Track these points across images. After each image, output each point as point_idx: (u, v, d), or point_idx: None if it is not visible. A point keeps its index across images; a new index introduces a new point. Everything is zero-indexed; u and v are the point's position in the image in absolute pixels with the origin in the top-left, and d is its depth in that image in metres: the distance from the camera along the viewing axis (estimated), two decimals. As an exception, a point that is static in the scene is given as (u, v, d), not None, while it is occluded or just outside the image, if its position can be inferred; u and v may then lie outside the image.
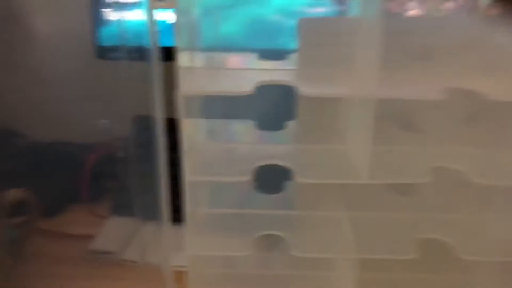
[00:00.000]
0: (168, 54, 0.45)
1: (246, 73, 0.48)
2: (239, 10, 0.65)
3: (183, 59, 0.43)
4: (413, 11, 0.58)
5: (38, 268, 0.67)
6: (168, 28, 0.68)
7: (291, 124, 0.55)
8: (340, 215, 0.53)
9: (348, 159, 0.49)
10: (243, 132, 0.55)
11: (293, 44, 0.54)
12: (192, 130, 0.50)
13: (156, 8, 0.42)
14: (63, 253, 0.71)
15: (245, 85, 0.43)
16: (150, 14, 0.42)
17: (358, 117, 0.47)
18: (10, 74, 0.78)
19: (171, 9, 0.41)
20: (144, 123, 0.61)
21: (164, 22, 0.67)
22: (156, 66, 0.46)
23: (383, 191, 0.55)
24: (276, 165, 0.49)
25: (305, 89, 0.43)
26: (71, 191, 0.79)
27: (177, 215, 0.50)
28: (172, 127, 0.46)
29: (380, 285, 0.54)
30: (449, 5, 0.58)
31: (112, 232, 0.74)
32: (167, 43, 0.45)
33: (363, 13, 0.46)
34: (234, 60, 0.52)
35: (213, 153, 0.51)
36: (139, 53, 0.65)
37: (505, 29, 0.50)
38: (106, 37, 0.76)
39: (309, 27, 0.51)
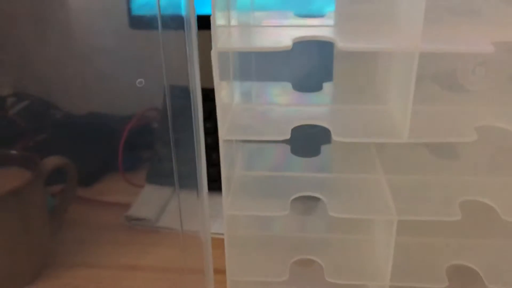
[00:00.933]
0: (204, 22, 0.45)
1: (283, 30, 0.46)
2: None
3: (219, 18, 0.43)
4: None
5: (76, 235, 0.69)
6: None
7: (328, 85, 0.54)
8: (378, 177, 0.52)
9: (388, 118, 0.48)
10: (280, 94, 0.54)
11: (329, 8, 0.52)
12: (227, 92, 0.50)
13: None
14: (101, 220, 0.72)
15: (283, 41, 0.42)
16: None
17: (400, 73, 0.45)
18: (44, 46, 0.79)
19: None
20: (179, 93, 0.61)
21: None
22: (192, 33, 0.45)
23: (423, 153, 0.53)
24: (314, 126, 0.48)
25: (344, 44, 0.42)
26: (107, 161, 0.80)
27: (214, 184, 0.50)
28: (208, 97, 0.45)
29: (420, 249, 0.53)
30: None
31: (148, 200, 0.74)
32: (203, 11, 0.44)
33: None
34: (271, 18, 0.50)
35: (249, 115, 0.50)
36: (174, 22, 0.65)
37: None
38: (140, 6, 0.76)
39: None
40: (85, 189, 0.76)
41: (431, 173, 0.53)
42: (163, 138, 0.78)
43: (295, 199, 0.49)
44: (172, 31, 0.64)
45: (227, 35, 0.46)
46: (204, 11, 0.50)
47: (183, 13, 0.46)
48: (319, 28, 0.47)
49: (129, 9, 0.77)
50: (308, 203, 0.56)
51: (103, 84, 0.82)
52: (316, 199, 0.51)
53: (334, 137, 0.45)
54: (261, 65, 0.54)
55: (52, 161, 0.65)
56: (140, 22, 0.77)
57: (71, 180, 0.67)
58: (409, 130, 0.44)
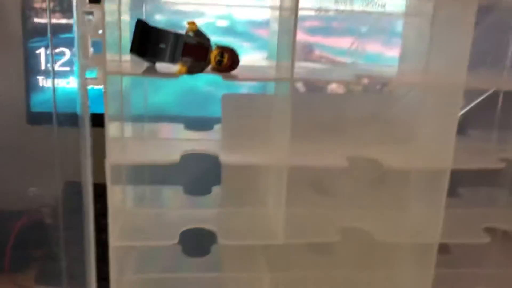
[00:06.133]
0: (98, 120, 0.48)
1: (172, 143, 0.52)
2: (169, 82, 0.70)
3: (112, 129, 0.47)
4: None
5: None
6: (99, 95, 0.71)
7: (217, 189, 0.59)
8: (262, 275, 0.56)
9: (267, 221, 0.53)
10: (171, 197, 0.58)
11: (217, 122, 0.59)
12: (120, 196, 0.53)
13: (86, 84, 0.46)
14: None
15: (172, 155, 0.47)
16: (81, 82, 0.45)
17: (273, 183, 0.52)
18: None
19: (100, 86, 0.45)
20: (74, 189, 0.62)
21: (94, 89, 0.71)
22: (86, 132, 0.48)
23: (301, 251, 0.59)
24: (202, 229, 0.52)
25: (226, 158, 0.48)
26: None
27: (106, 283, 0.51)
28: (102, 193, 0.48)
29: None
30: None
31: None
32: (98, 110, 0.48)
33: (277, 91, 0.52)
34: (162, 130, 0.56)
35: (141, 219, 0.53)
36: (70, 119, 0.67)
37: (401, 105, 0.58)
38: (38, 103, 0.78)
39: (231, 102, 0.56)
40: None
41: (312, 268, 0.58)
42: (55, 236, 0.77)
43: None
44: (68, 128, 0.66)
45: (120, 146, 0.50)
46: (99, 110, 0.52)
47: (79, 111, 0.49)
48: (207, 141, 0.53)
49: (28, 106, 0.78)
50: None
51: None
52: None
53: (220, 240, 0.49)
54: (154, 171, 0.58)
55: None
56: (37, 118, 0.78)
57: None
58: (284, 232, 0.49)
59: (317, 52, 0.66)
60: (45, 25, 0.73)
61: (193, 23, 0.45)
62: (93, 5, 0.44)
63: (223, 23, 0.67)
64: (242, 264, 0.58)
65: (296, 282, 0.57)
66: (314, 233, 0.51)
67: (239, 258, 0.59)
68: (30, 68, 0.75)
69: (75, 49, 0.47)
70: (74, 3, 0.45)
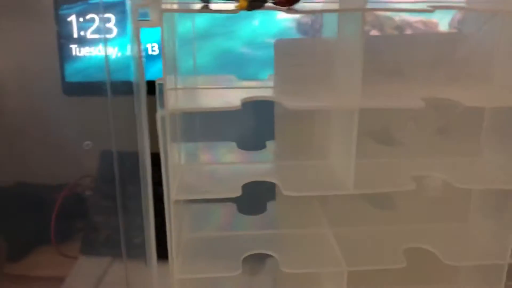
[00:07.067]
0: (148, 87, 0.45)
1: (228, 92, 0.48)
2: (210, 42, 0.67)
3: (166, 81, 0.44)
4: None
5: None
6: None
7: (271, 143, 0.56)
8: (324, 231, 0.53)
9: (331, 172, 0.50)
10: (225, 153, 0.55)
11: (263, 75, 0.55)
12: (174, 153, 0.50)
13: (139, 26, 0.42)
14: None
15: (232, 102, 0.44)
16: (134, 27, 0.41)
17: (340, 130, 0.48)
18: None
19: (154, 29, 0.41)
20: (125, 158, 0.60)
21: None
22: (141, 98, 0.45)
23: (364, 206, 0.56)
24: (259, 183, 0.49)
25: (287, 103, 0.44)
26: (38, 233, 0.76)
27: (161, 251, 0.49)
28: (157, 162, 0.45)
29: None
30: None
31: (83, 272, 0.70)
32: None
33: (341, 35, 0.48)
34: (215, 81, 0.52)
35: (198, 175, 0.50)
36: (111, 88, 0.65)
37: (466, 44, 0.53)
38: (73, 73, 0.76)
39: (285, 48, 0.53)
40: (13, 264, 0.71)
41: (373, 224, 0.55)
42: (98, 206, 0.75)
43: (243, 258, 0.49)
44: (106, 97, 0.64)
45: (174, 97, 0.47)
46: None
47: (132, 78, 0.45)
48: (262, 89, 0.50)
49: (62, 76, 0.76)
50: (259, 259, 0.56)
51: (36, 152, 0.79)
52: (263, 258, 0.51)
53: (285, 192, 0.46)
54: (205, 127, 0.55)
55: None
56: (73, 89, 0.76)
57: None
58: (353, 182, 0.46)
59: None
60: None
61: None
62: None
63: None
64: (302, 221, 0.55)
65: (363, 236, 0.54)
66: (386, 182, 0.48)
67: (296, 215, 0.56)
68: (62, 37, 0.72)
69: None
70: None
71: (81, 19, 0.71)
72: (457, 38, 0.53)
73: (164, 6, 0.40)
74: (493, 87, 0.49)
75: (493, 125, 0.51)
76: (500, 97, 0.48)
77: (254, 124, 0.61)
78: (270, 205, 0.57)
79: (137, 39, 0.42)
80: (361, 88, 0.43)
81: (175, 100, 0.46)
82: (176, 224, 0.47)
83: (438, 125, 0.53)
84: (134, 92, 0.44)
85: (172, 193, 0.44)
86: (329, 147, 0.52)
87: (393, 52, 0.51)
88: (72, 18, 0.72)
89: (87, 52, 0.73)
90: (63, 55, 0.73)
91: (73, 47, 0.73)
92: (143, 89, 0.43)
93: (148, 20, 0.42)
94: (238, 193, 0.45)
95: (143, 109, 0.44)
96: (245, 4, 0.41)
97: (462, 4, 0.48)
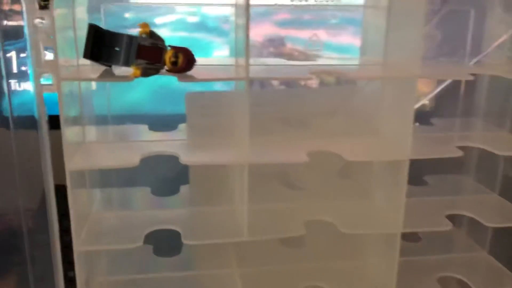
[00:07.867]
0: (56, 122, 0.47)
1: (134, 145, 0.52)
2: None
3: (72, 133, 0.47)
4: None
5: None
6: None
7: (185, 188, 0.60)
8: (232, 271, 0.57)
9: (233, 218, 0.54)
10: (139, 199, 0.58)
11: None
12: (85, 200, 0.53)
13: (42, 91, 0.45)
14: None
15: (131, 158, 0.47)
16: (36, 89, 0.44)
17: (237, 180, 0.52)
18: None
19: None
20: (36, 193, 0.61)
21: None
22: (43, 134, 0.47)
23: (272, 245, 0.60)
24: (169, 229, 0.52)
25: (187, 158, 0.48)
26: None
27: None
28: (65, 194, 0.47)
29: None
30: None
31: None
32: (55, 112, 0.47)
33: (235, 89, 0.52)
34: (126, 131, 0.56)
35: (107, 222, 0.53)
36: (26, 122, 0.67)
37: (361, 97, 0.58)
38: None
39: (195, 100, 0.57)
40: None
41: (280, 262, 0.59)
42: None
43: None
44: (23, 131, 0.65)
45: (81, 151, 0.50)
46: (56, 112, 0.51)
47: (36, 114, 0.48)
48: (170, 142, 0.53)
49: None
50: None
51: None
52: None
53: (184, 241, 0.49)
54: (121, 172, 0.58)
55: None
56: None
57: None
58: (248, 228, 0.50)
59: (289, 46, 0.66)
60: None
61: (145, 25, 0.45)
62: (43, 11, 0.44)
63: (194, 19, 0.67)
64: (213, 262, 0.58)
65: (268, 276, 0.58)
66: (279, 228, 0.52)
67: (210, 256, 0.59)
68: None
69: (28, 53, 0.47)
70: (24, 9, 0.45)
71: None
72: (346, 93, 0.58)
73: (63, 74, 0.44)
74: (378, 139, 0.54)
75: (380, 174, 0.55)
76: (383, 150, 0.52)
77: (169, 169, 0.65)
78: (184, 247, 0.60)
79: (40, 100, 0.46)
80: (249, 142, 0.47)
81: (81, 150, 0.49)
82: (85, 270, 0.50)
83: (338, 169, 0.58)
84: (38, 128, 0.47)
85: (76, 243, 0.47)
86: (234, 193, 0.56)
87: (284, 104, 0.55)
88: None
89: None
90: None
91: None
92: (45, 127, 0.46)
93: (50, 84, 0.45)
94: (139, 243, 0.49)
95: (46, 144, 0.47)
96: (138, 72, 0.44)
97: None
